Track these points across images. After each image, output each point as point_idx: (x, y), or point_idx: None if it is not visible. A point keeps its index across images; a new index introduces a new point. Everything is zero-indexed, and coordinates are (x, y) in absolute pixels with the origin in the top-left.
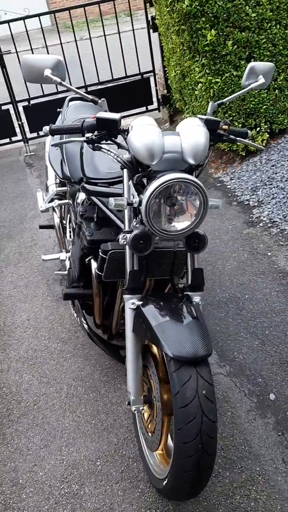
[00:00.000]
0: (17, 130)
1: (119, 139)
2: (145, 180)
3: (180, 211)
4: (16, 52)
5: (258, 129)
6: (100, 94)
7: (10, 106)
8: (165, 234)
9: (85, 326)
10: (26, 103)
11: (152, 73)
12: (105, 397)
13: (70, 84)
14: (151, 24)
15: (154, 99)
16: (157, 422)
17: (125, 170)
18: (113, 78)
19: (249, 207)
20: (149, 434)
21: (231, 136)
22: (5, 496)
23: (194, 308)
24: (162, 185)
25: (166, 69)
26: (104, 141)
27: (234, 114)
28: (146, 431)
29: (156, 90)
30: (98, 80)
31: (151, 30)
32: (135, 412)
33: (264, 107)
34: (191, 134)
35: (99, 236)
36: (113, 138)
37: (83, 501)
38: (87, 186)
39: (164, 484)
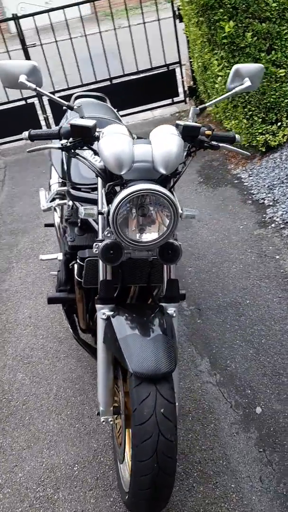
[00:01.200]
0: (42, 123)
1: (96, 146)
2: (118, 189)
3: (151, 222)
4: (41, 44)
5: (279, 123)
6: (125, 86)
7: (35, 99)
8: (134, 245)
9: (70, 330)
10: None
11: (178, 64)
12: (92, 401)
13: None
14: (177, 14)
15: (180, 90)
16: (122, 434)
17: (99, 178)
18: (138, 70)
19: (264, 206)
20: (118, 445)
21: (213, 143)
22: None
23: (166, 321)
24: (128, 196)
25: (191, 60)
26: (79, 148)
27: (253, 109)
28: (116, 441)
29: (183, 81)
30: (123, 72)
31: (177, 20)
32: (104, 422)
33: (286, 101)
34: (163, 143)
35: (81, 242)
36: (89, 145)
37: (55, 506)
38: (71, 191)
39: (127, 497)
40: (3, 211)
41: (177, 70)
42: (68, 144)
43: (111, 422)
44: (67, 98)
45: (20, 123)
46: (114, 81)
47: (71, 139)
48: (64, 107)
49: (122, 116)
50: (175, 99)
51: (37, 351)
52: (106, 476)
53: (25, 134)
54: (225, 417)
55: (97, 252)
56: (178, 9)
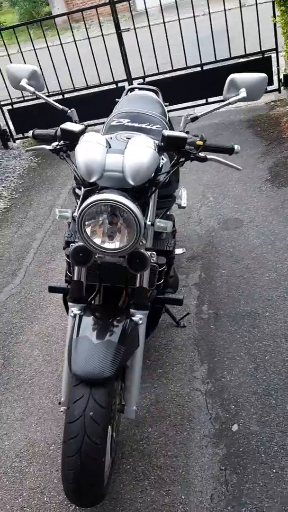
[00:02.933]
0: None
1: None
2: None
3: (118, 230)
4: (135, 28)
5: None
6: (215, 73)
7: (125, 83)
8: (99, 251)
9: (69, 320)
10: (141, 81)
11: (274, 51)
12: None
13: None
14: None
15: (275, 78)
16: None
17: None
18: (231, 56)
19: None
20: None
21: (201, 154)
22: None
23: (127, 327)
24: (90, 204)
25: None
26: (69, 151)
27: None
28: None
29: (278, 69)
30: (215, 58)
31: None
32: (62, 412)
33: None
34: (134, 155)
35: (75, 239)
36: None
37: (24, 478)
38: (76, 190)
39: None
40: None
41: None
42: (58, 147)
43: None
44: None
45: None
46: (205, 67)
47: (62, 142)
48: (117, 99)
49: (210, 103)
50: (269, 88)
51: (58, 331)
52: None
53: (30, 132)
54: (200, 428)
55: (67, 254)
56: None
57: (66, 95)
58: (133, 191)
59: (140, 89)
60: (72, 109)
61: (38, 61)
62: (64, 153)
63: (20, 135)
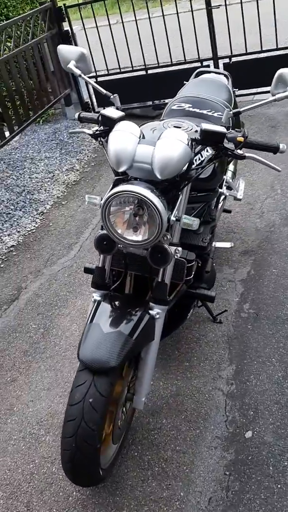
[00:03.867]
0: None
1: None
2: None
3: (143, 223)
4: (226, 5)
5: None
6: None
7: (211, 62)
8: (121, 242)
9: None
10: (227, 60)
11: None
12: None
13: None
14: None
15: None
16: None
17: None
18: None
19: None
20: None
21: (239, 152)
22: None
23: (143, 320)
24: (114, 195)
25: None
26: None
27: None
28: None
29: None
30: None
31: None
32: None
33: None
34: (165, 148)
35: None
36: None
37: (39, 446)
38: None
39: None
40: None
41: None
42: (97, 132)
43: None
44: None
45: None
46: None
47: (102, 127)
48: (185, 82)
49: (267, 92)
50: None
51: None
52: None
53: (76, 115)
54: (214, 429)
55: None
56: None
57: (150, 71)
58: (162, 184)
59: (210, 72)
60: (115, 95)
61: (125, 33)
62: (103, 138)
63: (102, 108)
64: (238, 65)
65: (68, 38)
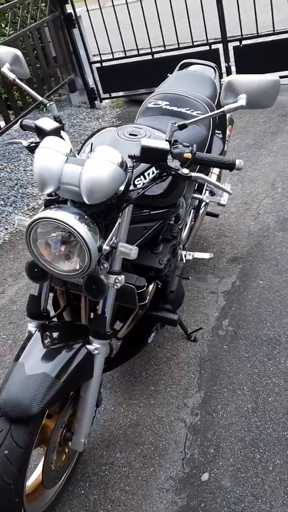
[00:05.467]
0: (224, 70)
1: None
2: None
3: (76, 251)
4: None
5: None
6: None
7: (220, 45)
8: (51, 271)
9: None
10: (237, 43)
11: None
12: None
13: None
14: None
15: None
16: None
17: None
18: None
19: None
20: None
21: (185, 171)
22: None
23: (77, 356)
24: (36, 221)
25: None
26: None
27: None
28: None
29: None
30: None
31: None
32: None
33: None
34: (91, 170)
35: None
36: None
37: None
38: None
39: None
40: None
41: None
42: (32, 144)
43: None
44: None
45: None
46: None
47: (38, 139)
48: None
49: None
50: None
51: None
52: None
53: (19, 122)
54: (169, 467)
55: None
56: None
57: (156, 55)
58: (96, 207)
59: (196, 64)
60: (51, 103)
61: (130, 15)
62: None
63: (107, 95)
64: (249, 48)
65: (72, 22)
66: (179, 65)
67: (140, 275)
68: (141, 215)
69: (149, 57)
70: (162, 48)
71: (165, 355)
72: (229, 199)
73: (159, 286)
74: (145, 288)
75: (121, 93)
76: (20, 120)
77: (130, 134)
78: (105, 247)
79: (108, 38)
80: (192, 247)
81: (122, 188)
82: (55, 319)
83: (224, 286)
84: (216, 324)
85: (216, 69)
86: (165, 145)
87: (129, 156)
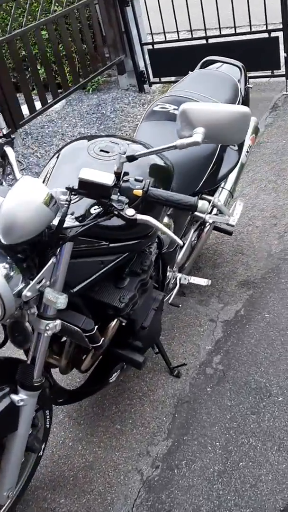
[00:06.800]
0: (282, 62)
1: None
2: None
3: None
4: None
5: None
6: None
7: (280, 33)
8: None
9: None
10: None
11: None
12: None
13: None
14: None
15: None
16: None
17: None
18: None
19: None
20: None
21: (127, 213)
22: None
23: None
24: None
25: None
26: None
27: None
28: None
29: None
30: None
31: None
32: None
33: None
34: (10, 205)
35: None
36: None
37: None
38: None
39: None
40: None
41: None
42: None
43: None
44: None
45: (259, 58)
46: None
47: None
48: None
49: None
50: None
51: None
52: None
53: None
54: None
55: None
56: None
57: (211, 40)
58: (19, 246)
59: (221, 62)
60: (13, 137)
61: None
62: None
63: (157, 79)
64: None
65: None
66: (201, 62)
67: (99, 311)
68: (97, 248)
69: (203, 41)
70: (217, 32)
71: (141, 389)
72: (258, 210)
73: (123, 324)
74: (93, 331)
75: (172, 78)
76: None
77: (101, 151)
78: (26, 293)
79: (162, 19)
80: (203, 262)
81: (55, 222)
82: None
83: (226, 315)
84: (206, 359)
85: (242, 69)
86: (108, 180)
87: (66, 188)
